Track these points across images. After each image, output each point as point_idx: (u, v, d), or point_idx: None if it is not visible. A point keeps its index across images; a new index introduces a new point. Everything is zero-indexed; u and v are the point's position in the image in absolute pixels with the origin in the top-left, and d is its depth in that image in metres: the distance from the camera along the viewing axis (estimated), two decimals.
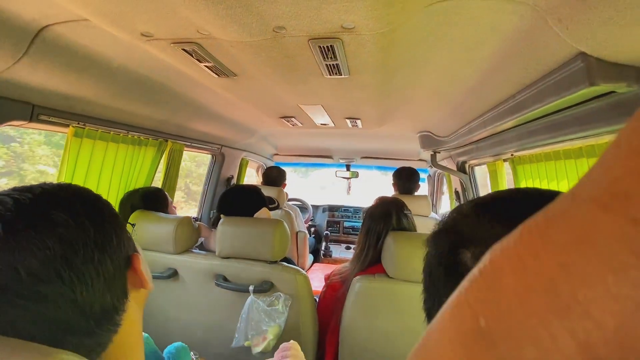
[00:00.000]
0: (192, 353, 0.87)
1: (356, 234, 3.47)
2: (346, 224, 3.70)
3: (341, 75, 0.97)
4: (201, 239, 1.51)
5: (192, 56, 0.89)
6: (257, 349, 1.19)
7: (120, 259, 0.42)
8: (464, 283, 0.18)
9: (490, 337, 0.15)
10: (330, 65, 0.89)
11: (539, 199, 0.33)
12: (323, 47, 0.78)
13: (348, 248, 3.41)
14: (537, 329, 0.13)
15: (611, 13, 0.52)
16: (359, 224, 3.59)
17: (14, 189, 0.38)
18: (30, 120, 1.11)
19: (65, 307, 0.35)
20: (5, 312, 0.32)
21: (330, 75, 0.98)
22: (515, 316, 0.14)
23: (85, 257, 0.37)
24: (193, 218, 2.54)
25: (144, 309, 0.49)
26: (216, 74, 1.03)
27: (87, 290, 0.37)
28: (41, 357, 0.30)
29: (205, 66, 0.96)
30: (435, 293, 0.37)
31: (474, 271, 0.17)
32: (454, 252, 0.34)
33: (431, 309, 0.38)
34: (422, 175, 3.53)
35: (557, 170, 1.09)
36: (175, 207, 1.69)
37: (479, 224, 0.34)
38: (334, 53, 0.81)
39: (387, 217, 1.31)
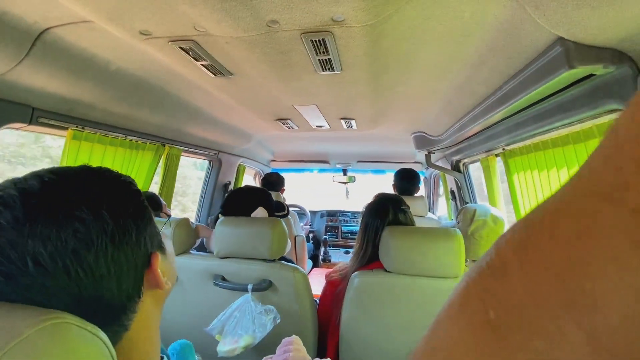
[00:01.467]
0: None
1: (355, 239, 3.47)
2: (344, 229, 3.70)
3: (334, 70, 1.00)
4: (199, 240, 1.52)
5: (189, 54, 0.92)
6: (222, 347, 1.14)
7: (138, 256, 0.39)
8: (472, 274, 0.18)
9: (500, 329, 0.15)
10: (322, 60, 0.93)
11: None
12: (315, 41, 0.81)
13: (347, 252, 3.41)
14: (545, 321, 0.13)
15: None
16: (357, 228, 3.59)
17: (48, 170, 0.36)
18: (30, 123, 1.13)
19: (67, 302, 0.33)
20: (5, 300, 0.31)
21: (323, 70, 1.01)
22: (524, 309, 0.14)
23: (97, 253, 0.35)
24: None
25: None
26: (213, 73, 1.06)
27: (95, 288, 0.34)
28: (34, 317, 0.29)
29: (202, 65, 0.99)
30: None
31: (482, 263, 0.17)
32: None
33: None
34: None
35: (547, 160, 1.12)
36: (168, 212, 1.70)
37: None
38: (325, 47, 0.84)
39: (384, 212, 1.32)
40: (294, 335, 0.90)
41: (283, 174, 2.89)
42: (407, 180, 2.39)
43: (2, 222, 0.32)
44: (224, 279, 1.31)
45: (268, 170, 3.48)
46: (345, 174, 3.66)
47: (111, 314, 0.37)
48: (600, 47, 0.65)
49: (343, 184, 3.73)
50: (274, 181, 2.72)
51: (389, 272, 1.20)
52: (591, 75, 0.74)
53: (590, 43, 0.65)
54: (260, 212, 1.42)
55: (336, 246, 3.59)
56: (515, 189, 1.40)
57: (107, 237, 0.36)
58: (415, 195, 2.44)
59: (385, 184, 3.30)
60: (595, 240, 0.13)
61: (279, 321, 1.16)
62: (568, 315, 0.13)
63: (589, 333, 0.12)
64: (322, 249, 3.34)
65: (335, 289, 1.34)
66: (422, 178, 3.55)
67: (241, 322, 1.16)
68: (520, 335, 0.14)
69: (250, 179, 3.59)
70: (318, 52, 0.87)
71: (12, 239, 0.31)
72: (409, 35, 0.87)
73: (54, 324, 0.29)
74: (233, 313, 1.20)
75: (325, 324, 1.34)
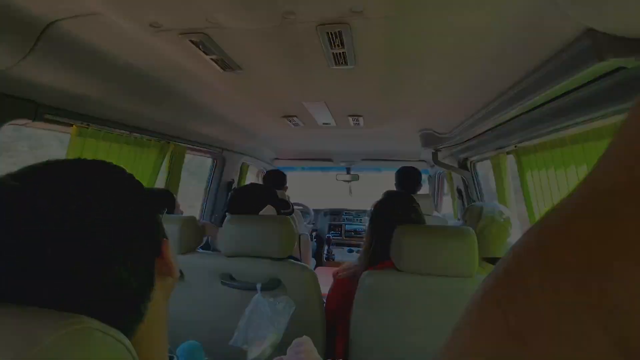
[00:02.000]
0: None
1: (358, 237, 3.48)
2: (347, 227, 3.70)
3: (347, 65, 0.98)
4: (205, 238, 1.50)
5: (199, 48, 0.89)
6: (251, 355, 1.14)
7: (149, 243, 0.40)
8: (489, 281, 0.17)
9: (521, 336, 0.15)
10: (337, 54, 0.90)
11: None
12: (331, 33, 0.78)
13: (350, 251, 3.41)
14: (569, 326, 0.13)
15: None
16: (360, 227, 3.60)
17: (43, 163, 0.36)
18: (34, 119, 1.11)
19: (92, 286, 0.33)
20: (26, 289, 0.30)
21: (336, 65, 0.98)
22: (546, 314, 0.14)
23: (113, 235, 0.35)
24: None
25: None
26: (222, 67, 1.03)
27: (114, 271, 0.35)
28: (53, 322, 0.27)
29: (211, 59, 0.97)
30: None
31: (498, 270, 0.17)
32: None
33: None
34: (422, 177, 3.56)
35: (564, 158, 1.09)
36: (182, 211, 1.69)
37: None
38: (341, 40, 0.82)
39: (394, 211, 1.30)
40: (304, 336, 0.87)
41: (286, 172, 2.88)
42: (408, 178, 2.37)
43: (13, 209, 0.31)
44: (232, 277, 1.29)
45: (270, 169, 3.46)
46: (348, 173, 3.64)
47: (130, 300, 0.37)
48: (633, 39, 0.63)
49: (346, 182, 3.72)
50: (276, 179, 2.70)
51: (400, 271, 1.18)
52: (619, 69, 0.71)
53: (622, 34, 0.62)
54: (269, 209, 1.40)
55: (339, 245, 3.59)
56: (529, 188, 1.37)
57: (119, 222, 0.36)
58: (420, 193, 2.42)
59: (386, 181, 3.28)
60: (614, 240, 0.12)
61: (294, 308, 1.15)
62: (592, 319, 0.12)
63: (615, 336, 0.12)
64: (326, 248, 3.33)
65: (344, 289, 1.32)
66: (425, 176, 3.54)
67: (261, 324, 1.15)
68: (543, 341, 0.14)
69: (252, 178, 3.57)
70: (333, 45, 0.85)
71: (28, 225, 0.31)
72: (427, 28, 0.84)
73: (75, 329, 0.27)
74: (250, 317, 1.18)
75: (333, 325, 1.33)
